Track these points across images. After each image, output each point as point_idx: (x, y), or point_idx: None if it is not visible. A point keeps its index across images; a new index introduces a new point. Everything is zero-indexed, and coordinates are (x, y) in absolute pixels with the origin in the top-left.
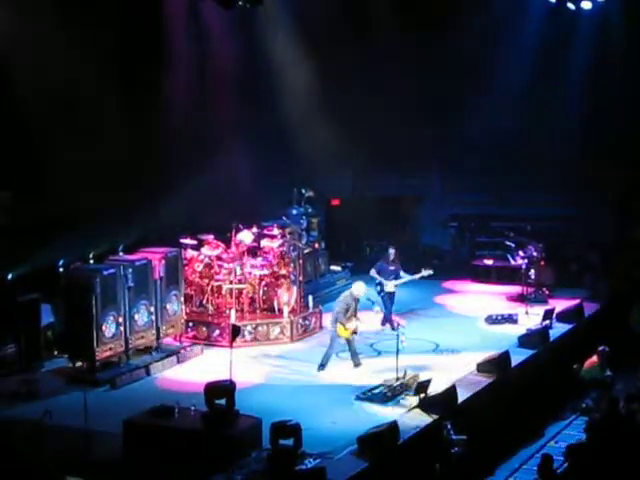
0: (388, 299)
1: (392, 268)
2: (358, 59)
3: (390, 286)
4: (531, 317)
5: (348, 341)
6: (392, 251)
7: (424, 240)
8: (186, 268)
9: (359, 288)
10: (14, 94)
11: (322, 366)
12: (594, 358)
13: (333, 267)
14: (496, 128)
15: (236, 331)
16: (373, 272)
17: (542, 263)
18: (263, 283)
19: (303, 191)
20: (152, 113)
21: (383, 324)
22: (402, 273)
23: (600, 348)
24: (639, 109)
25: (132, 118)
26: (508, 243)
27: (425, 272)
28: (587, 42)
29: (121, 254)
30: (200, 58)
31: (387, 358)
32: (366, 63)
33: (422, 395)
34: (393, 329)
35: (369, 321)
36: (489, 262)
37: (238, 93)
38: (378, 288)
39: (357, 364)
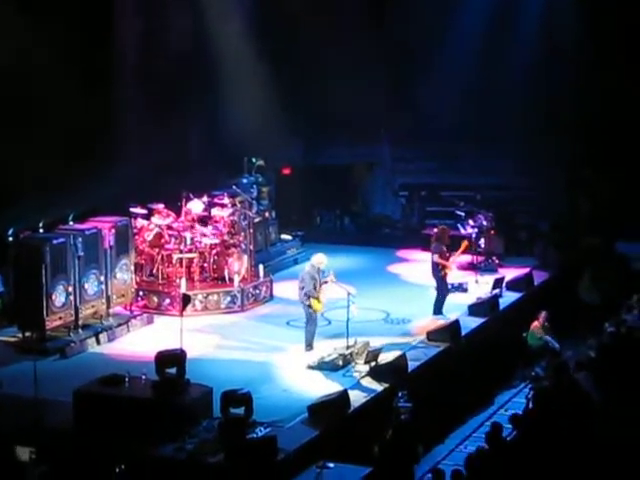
0: (446, 283)
1: (445, 249)
2: (309, 26)
3: (453, 268)
4: (481, 286)
5: (314, 317)
6: (445, 229)
7: (375, 209)
8: (136, 237)
9: (319, 259)
10: None
11: (309, 346)
12: (535, 323)
13: (284, 236)
14: (447, 96)
15: (186, 300)
16: (437, 258)
17: (492, 232)
18: (214, 252)
19: (253, 160)
20: (102, 81)
21: (438, 312)
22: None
23: (541, 312)
24: (590, 82)
25: (81, 87)
26: (458, 212)
27: (463, 246)
28: (538, 9)
29: (71, 223)
30: (149, 29)
31: (338, 326)
32: (316, 31)
33: (372, 364)
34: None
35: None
36: None
37: (187, 63)
38: (441, 273)
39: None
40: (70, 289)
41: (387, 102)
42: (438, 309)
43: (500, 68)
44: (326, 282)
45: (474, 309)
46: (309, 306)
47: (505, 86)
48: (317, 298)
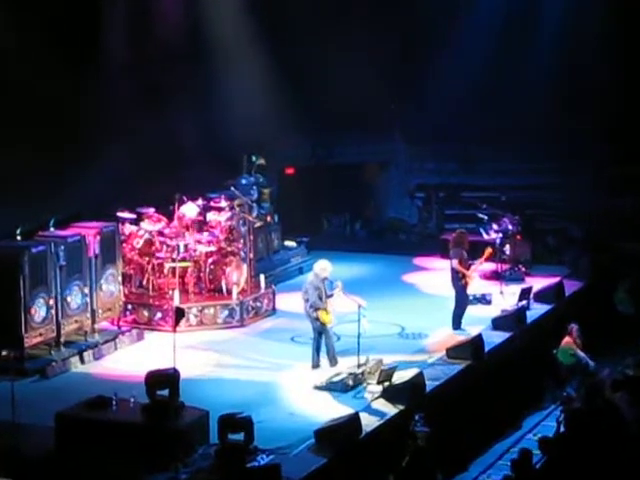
0: (466, 293)
1: (465, 254)
2: (316, 16)
3: (474, 277)
4: (506, 297)
5: (327, 330)
6: (463, 233)
7: (388, 213)
8: (124, 245)
9: (323, 266)
10: None
11: (333, 359)
12: (567, 338)
13: (287, 243)
14: (466, 89)
15: (180, 314)
16: (455, 263)
17: (518, 237)
18: (210, 261)
19: (254, 158)
20: (86, 72)
21: (457, 327)
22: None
23: (571, 325)
24: (620, 69)
25: (65, 78)
26: (480, 215)
27: (486, 254)
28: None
29: (52, 229)
30: (137, 13)
31: (347, 342)
32: (324, 21)
33: (386, 384)
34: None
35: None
36: None
37: (180, 51)
38: (461, 282)
39: (317, 365)
40: (51, 302)
41: (401, 96)
42: (457, 323)
43: (521, 61)
44: (331, 296)
45: (499, 323)
46: (317, 319)
47: (527, 79)
48: (325, 309)
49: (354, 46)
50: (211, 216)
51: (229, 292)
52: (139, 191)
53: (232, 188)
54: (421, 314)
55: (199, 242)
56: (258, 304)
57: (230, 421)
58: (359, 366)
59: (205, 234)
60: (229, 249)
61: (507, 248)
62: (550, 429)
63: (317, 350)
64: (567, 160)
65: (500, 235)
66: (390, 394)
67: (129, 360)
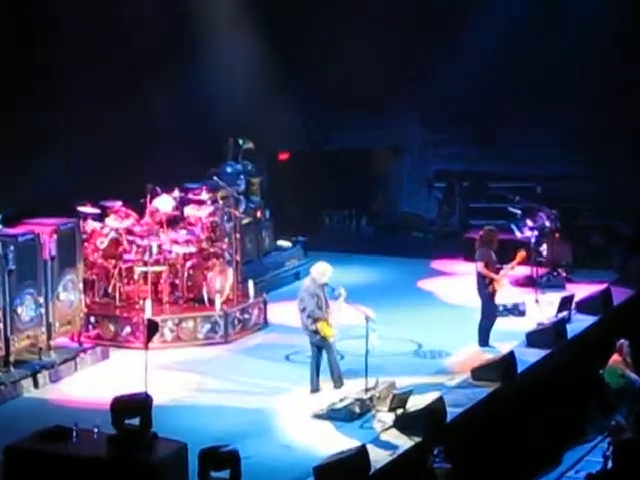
0: (494, 302)
1: (494, 256)
2: None
3: (504, 283)
4: (543, 307)
5: (329, 345)
6: (492, 230)
7: (401, 207)
8: (86, 245)
9: (321, 269)
10: None
11: (339, 380)
12: (615, 356)
13: (281, 242)
14: (493, 60)
15: (153, 328)
16: (481, 267)
17: (557, 236)
18: (188, 265)
19: (240, 142)
20: (43, 46)
21: (484, 343)
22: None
23: (620, 341)
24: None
25: (19, 52)
26: (512, 210)
27: (519, 257)
28: None
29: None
30: None
31: (353, 362)
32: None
33: (399, 411)
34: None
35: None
36: None
37: (154, 15)
38: (488, 289)
39: (317, 388)
40: None
41: (416, 68)
42: (485, 338)
43: (559, 18)
44: (329, 308)
45: (534, 338)
46: (316, 332)
47: (564, 46)
48: (325, 320)
49: (354, 29)
50: (190, 211)
51: (211, 302)
52: (104, 181)
53: (215, 177)
54: (441, 328)
55: (175, 242)
56: (246, 316)
57: (213, 456)
58: (367, 390)
59: (182, 232)
60: (211, 250)
61: (544, 249)
62: (595, 465)
63: (317, 370)
64: (611, 146)
65: (536, 233)
66: (404, 423)
67: (92, 383)
